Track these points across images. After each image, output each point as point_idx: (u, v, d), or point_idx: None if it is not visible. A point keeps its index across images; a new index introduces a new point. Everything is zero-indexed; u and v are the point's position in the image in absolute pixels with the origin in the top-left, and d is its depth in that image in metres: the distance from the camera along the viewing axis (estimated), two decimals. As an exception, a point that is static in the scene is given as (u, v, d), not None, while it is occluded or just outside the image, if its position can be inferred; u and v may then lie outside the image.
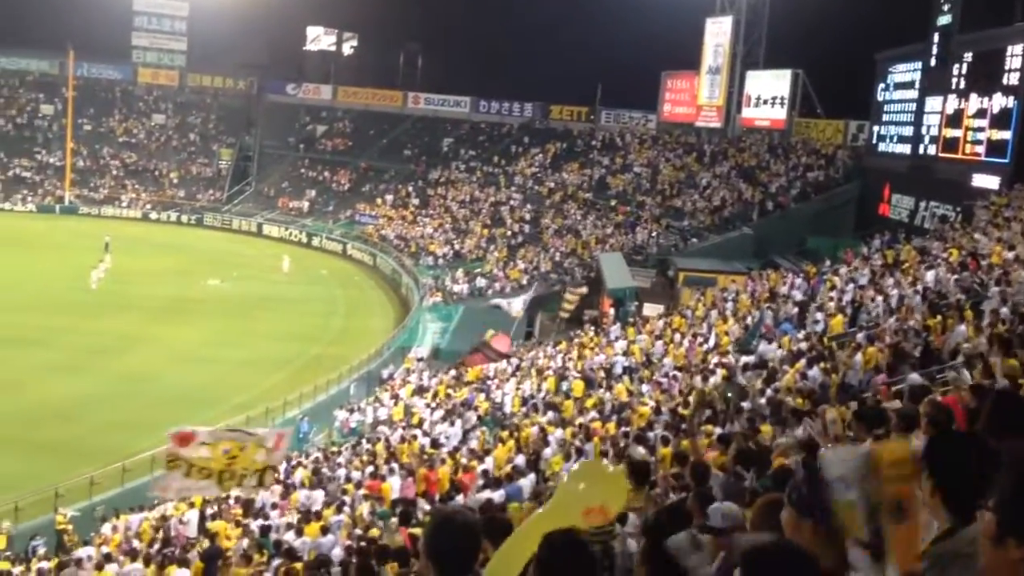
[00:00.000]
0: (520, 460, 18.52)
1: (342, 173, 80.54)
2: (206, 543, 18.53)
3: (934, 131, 42.12)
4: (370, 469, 22.16)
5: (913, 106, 45.02)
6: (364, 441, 27.13)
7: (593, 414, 21.58)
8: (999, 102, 36.84)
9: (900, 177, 45.55)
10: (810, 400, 14.44)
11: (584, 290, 45.62)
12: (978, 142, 38.18)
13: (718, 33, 64.49)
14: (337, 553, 15.03)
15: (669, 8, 67.27)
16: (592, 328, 38.08)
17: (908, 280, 22.92)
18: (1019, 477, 2.67)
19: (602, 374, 27.42)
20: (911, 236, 33.31)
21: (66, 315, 43.45)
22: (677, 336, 29.18)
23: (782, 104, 60.15)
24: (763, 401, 16.04)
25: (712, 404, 16.29)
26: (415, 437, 24.46)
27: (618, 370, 27.53)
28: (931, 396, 9.96)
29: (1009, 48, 36.03)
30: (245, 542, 17.64)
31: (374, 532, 15.49)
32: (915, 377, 13.14)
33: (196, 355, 39.47)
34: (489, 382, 31.16)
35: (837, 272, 29.44)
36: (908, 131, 45.46)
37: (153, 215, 77.97)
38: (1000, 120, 36.64)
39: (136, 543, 20.58)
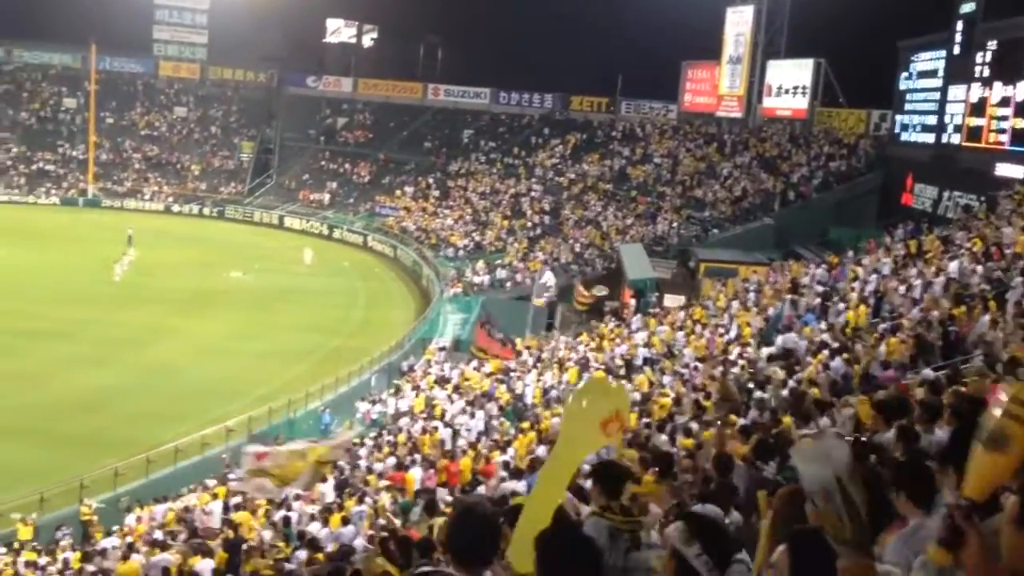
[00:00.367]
0: (541, 451, 18.53)
1: (362, 165, 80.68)
2: (230, 533, 18.66)
3: (957, 120, 41.77)
4: (392, 460, 22.24)
5: (936, 95, 44.65)
6: (385, 433, 27.22)
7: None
8: (1023, 90, 36.52)
9: (923, 166, 45.20)
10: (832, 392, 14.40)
11: (602, 292, 44.70)
12: (1002, 131, 37.84)
13: (739, 22, 64.12)
14: (359, 544, 15.11)
15: (689, -3, 67.04)
16: (613, 319, 38.02)
17: (932, 270, 22.76)
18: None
19: (623, 365, 27.39)
20: (934, 226, 33.06)
21: (90, 307, 43.80)
22: (698, 327, 29.12)
23: (804, 93, 59.77)
24: (785, 392, 15.99)
25: (731, 398, 16.24)
26: (436, 429, 24.54)
27: (639, 361, 27.52)
28: (955, 387, 9.91)
29: (1033, 36, 35.69)
30: (269, 533, 17.76)
31: (396, 522, 15.56)
32: (928, 372, 13.07)
33: (219, 347, 39.70)
34: (512, 373, 31.21)
35: (860, 262, 29.26)
36: (931, 120, 45.11)
37: (175, 208, 78.36)
38: (1024, 108, 36.33)
39: (159, 533, 20.75)
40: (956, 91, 42.00)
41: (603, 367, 27.34)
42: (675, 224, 54.78)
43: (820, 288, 27.54)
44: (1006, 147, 37.36)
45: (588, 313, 44.24)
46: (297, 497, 20.59)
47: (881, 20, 54.89)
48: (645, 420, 18.25)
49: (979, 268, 20.98)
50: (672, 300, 38.80)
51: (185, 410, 31.94)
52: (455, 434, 24.08)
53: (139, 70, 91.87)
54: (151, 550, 18.61)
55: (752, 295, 31.20)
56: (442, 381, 32.57)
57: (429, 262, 58.06)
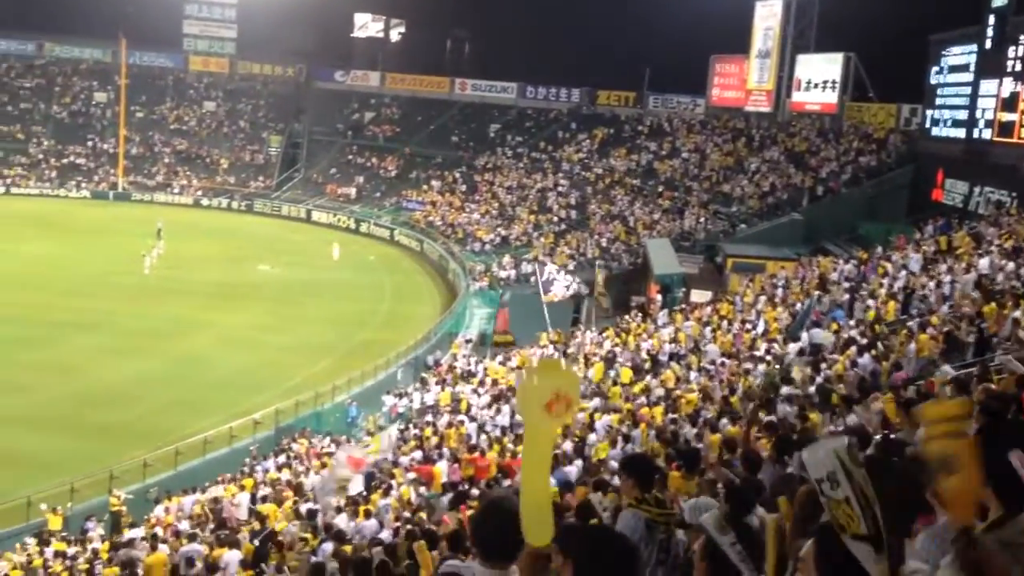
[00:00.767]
0: (567, 446, 18.53)
1: (390, 159, 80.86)
2: (256, 525, 18.78)
3: (989, 115, 41.31)
4: (418, 454, 22.31)
5: (968, 89, 44.19)
6: (411, 426, 27.31)
7: (641, 400, 21.54)
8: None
9: (954, 162, 44.77)
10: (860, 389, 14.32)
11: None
12: (1034, 126, 37.42)
13: (768, 16, 63.74)
14: (384, 536, 15.17)
15: (718, -9, 66.71)
16: (639, 314, 37.95)
17: (962, 266, 22.56)
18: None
19: (648, 360, 27.34)
20: (965, 222, 32.75)
21: (120, 299, 44.22)
22: (725, 323, 29.01)
23: (833, 88, 59.34)
24: (812, 389, 15.92)
25: (755, 398, 16.18)
26: (462, 423, 24.58)
27: (664, 356, 27.45)
28: (984, 384, 9.83)
29: (1068, 30, 35.26)
30: (295, 524, 17.86)
31: (421, 515, 15.62)
32: (947, 369, 12.96)
33: (246, 339, 39.95)
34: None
35: (889, 258, 29.05)
36: (962, 115, 44.64)
37: (204, 201, 78.84)
38: (1058, 103, 35.90)
39: (186, 524, 20.91)
40: (988, 86, 41.56)
41: (629, 362, 27.29)
42: (702, 219, 54.56)
43: (848, 284, 27.38)
44: (1039, 142, 36.95)
45: (615, 308, 44.13)
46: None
47: (912, 14, 54.37)
48: (671, 416, 18.23)
49: (1010, 264, 20.78)
50: (699, 295, 38.70)
51: (213, 402, 32.19)
52: (480, 428, 24.11)
53: (169, 64, 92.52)
54: (176, 540, 18.77)
55: (780, 291, 31.05)
56: (468, 375, 32.61)
57: (455, 256, 58.16)
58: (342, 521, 17.15)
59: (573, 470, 16.58)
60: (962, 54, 45.52)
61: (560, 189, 66.98)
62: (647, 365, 27.10)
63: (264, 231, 68.16)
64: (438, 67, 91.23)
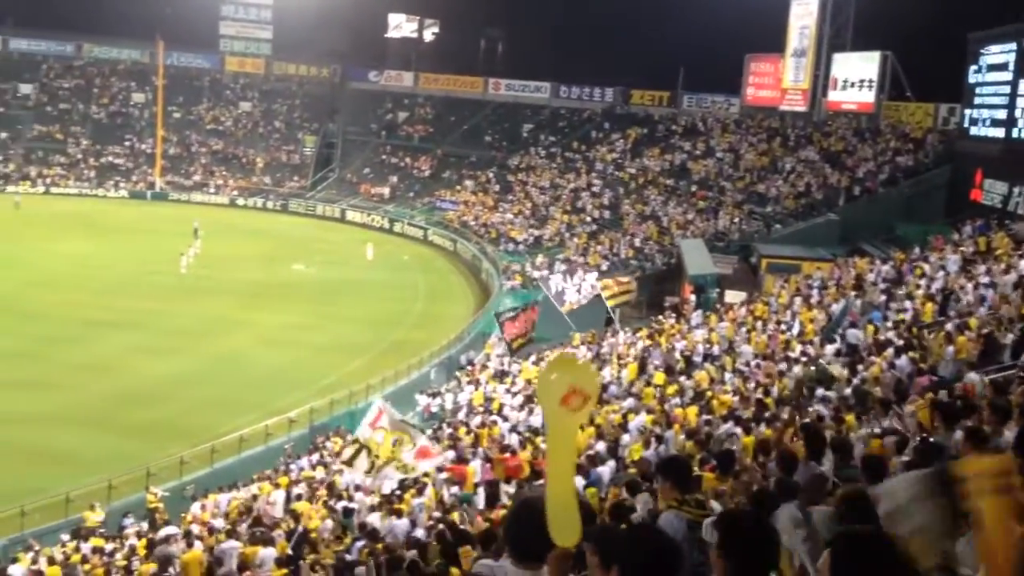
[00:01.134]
0: (600, 447, 18.49)
1: (423, 159, 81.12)
2: (291, 523, 18.89)
3: (1029, 114, 40.77)
4: (451, 454, 22.34)
5: (1007, 88, 43.58)
6: (445, 426, 27.35)
7: (675, 400, 21.45)
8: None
9: (993, 162, 44.17)
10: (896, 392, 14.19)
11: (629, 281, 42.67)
12: (1076, 125, 36.89)
13: (804, 15, 63.28)
14: (419, 535, 15.22)
15: (753, -11, 66.32)
16: (673, 315, 37.79)
17: (1001, 268, 22.28)
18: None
19: (682, 361, 27.21)
20: (1004, 222, 32.33)
21: (157, 299, 44.68)
22: (759, 324, 28.82)
23: (870, 87, 58.79)
24: (848, 391, 15.79)
25: (789, 401, 16.07)
26: (495, 423, 24.59)
27: (699, 357, 27.31)
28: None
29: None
30: (329, 523, 17.96)
31: (454, 516, 15.65)
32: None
33: (281, 338, 40.21)
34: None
35: (927, 259, 28.74)
36: (1001, 114, 44.03)
37: (240, 201, 79.50)
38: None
39: (221, 522, 21.07)
40: (1028, 85, 41.00)
41: (662, 363, 27.18)
42: (737, 219, 54.24)
43: (885, 285, 27.11)
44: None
45: (648, 308, 43.87)
46: (358, 488, 20.80)
47: (950, 11, 53.73)
48: (706, 417, 18.14)
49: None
50: (733, 296, 38.46)
51: (248, 400, 32.42)
52: (513, 428, 24.10)
53: (205, 65, 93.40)
54: (210, 537, 18.92)
55: (815, 292, 30.80)
56: (501, 375, 32.61)
57: (489, 256, 58.20)
58: (375, 520, 17.23)
59: (606, 471, 16.55)
60: (1001, 52, 44.91)
61: (593, 189, 66.83)
62: (679, 366, 26.98)
63: (299, 231, 68.59)
64: (471, 67, 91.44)
